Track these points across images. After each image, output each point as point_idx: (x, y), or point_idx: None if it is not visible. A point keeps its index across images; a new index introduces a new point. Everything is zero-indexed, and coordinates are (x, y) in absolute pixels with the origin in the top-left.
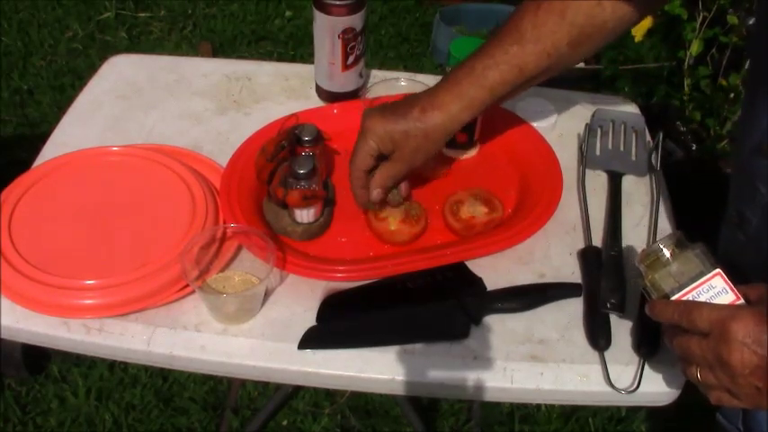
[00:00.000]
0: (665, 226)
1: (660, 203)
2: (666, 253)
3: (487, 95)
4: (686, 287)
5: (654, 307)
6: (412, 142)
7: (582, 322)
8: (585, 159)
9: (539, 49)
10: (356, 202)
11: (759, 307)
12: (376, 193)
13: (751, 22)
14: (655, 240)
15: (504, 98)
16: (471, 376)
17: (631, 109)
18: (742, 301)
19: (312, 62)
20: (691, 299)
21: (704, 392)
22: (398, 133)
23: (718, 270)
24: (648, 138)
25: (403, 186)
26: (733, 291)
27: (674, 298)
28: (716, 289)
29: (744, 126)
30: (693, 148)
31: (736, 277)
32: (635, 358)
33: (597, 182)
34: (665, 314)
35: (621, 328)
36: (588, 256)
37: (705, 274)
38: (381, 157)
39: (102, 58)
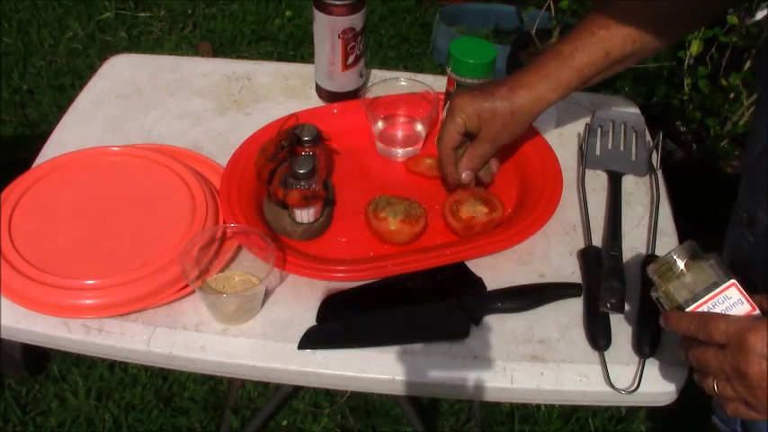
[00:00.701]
0: (665, 226)
1: (660, 203)
2: (680, 264)
3: (575, 76)
4: (701, 298)
5: (668, 318)
6: (498, 120)
7: (582, 322)
8: (585, 159)
9: (624, 34)
10: (446, 181)
11: None
12: (466, 175)
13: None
14: (655, 242)
15: (590, 81)
16: (471, 376)
17: (631, 109)
18: (758, 311)
19: (312, 62)
20: (706, 309)
21: (720, 404)
22: (486, 111)
23: (732, 280)
24: (648, 138)
25: (493, 164)
26: (748, 301)
27: (688, 309)
28: (731, 300)
29: (754, 127)
30: (693, 148)
31: (743, 278)
32: (635, 358)
33: (597, 182)
34: (681, 326)
35: (621, 328)
36: (588, 256)
37: (720, 285)
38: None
39: (102, 58)
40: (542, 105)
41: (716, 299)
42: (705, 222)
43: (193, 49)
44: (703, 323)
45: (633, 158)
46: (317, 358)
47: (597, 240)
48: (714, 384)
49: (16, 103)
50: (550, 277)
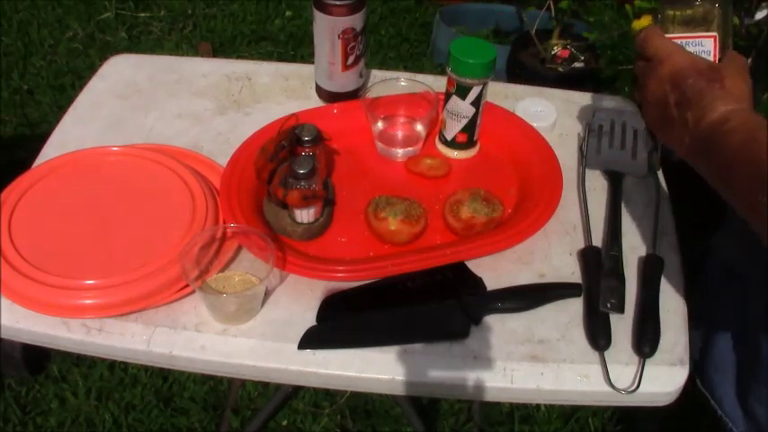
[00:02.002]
0: (665, 226)
1: (660, 203)
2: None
3: None
4: (681, 32)
5: (650, 32)
6: None
7: (582, 322)
8: (585, 159)
9: None
10: None
11: (701, 61)
12: None
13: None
14: (655, 242)
15: None
16: (471, 376)
17: (631, 109)
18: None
19: (312, 62)
20: (679, 43)
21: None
22: None
23: (715, 34)
24: (648, 138)
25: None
26: (715, 57)
27: (667, 35)
28: (704, 48)
29: None
30: None
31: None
32: (635, 358)
33: (597, 182)
34: (638, 39)
35: (621, 328)
36: (588, 256)
37: (704, 32)
38: None
39: (102, 58)
40: None
41: (693, 40)
42: (705, 222)
43: (193, 49)
44: (647, 37)
45: (633, 158)
46: (317, 358)
47: (597, 240)
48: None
49: (16, 103)
50: (550, 277)
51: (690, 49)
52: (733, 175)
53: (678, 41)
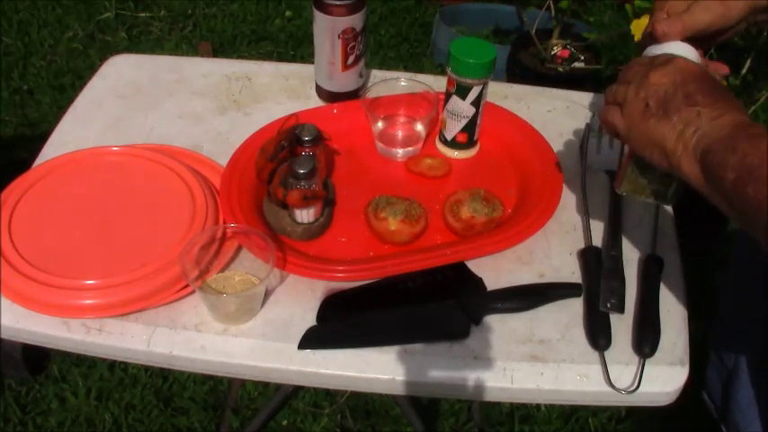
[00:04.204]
0: (665, 226)
1: (659, 204)
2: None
3: None
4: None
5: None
6: None
7: (582, 322)
8: (585, 159)
9: None
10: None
11: (714, 77)
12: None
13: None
14: (655, 242)
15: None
16: (471, 376)
17: None
18: None
19: (312, 62)
20: None
21: (602, 112)
22: None
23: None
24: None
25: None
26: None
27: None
28: None
29: None
30: None
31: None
32: (635, 358)
33: (597, 182)
34: (643, 59)
35: (621, 328)
36: (588, 256)
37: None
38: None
39: (102, 58)
40: None
41: None
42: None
43: (193, 49)
44: (662, 54)
45: None
46: (316, 358)
47: (597, 240)
48: (618, 86)
49: (16, 103)
50: (550, 277)
51: None
52: (756, 178)
53: None
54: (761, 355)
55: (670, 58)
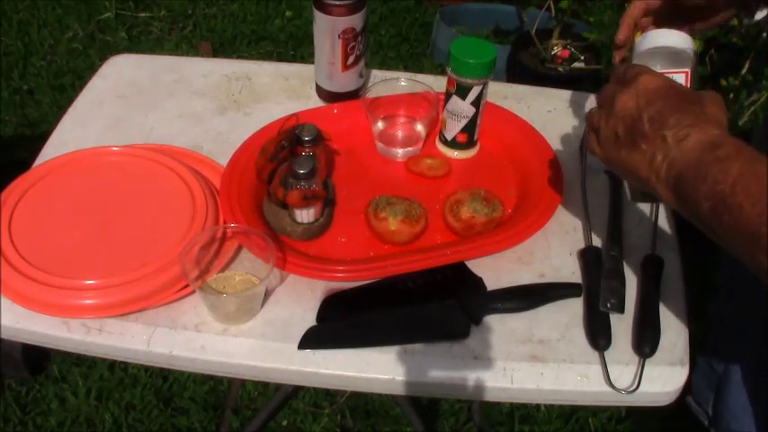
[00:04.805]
0: (665, 226)
1: (660, 203)
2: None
3: None
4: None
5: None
6: None
7: (582, 322)
8: (585, 159)
9: None
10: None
11: (682, 86)
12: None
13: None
14: (655, 242)
15: None
16: (471, 376)
17: None
18: None
19: (312, 62)
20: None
21: (587, 140)
22: None
23: (687, 70)
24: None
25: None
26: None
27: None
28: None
29: None
30: None
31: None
32: (635, 358)
33: (597, 182)
34: (618, 70)
35: (621, 328)
36: (588, 256)
37: (676, 68)
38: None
39: (102, 58)
40: None
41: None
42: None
43: (193, 49)
44: (629, 66)
45: None
46: (316, 358)
47: (597, 240)
48: (596, 113)
49: (16, 103)
50: (550, 277)
51: None
52: (730, 206)
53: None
54: (753, 358)
55: (635, 76)
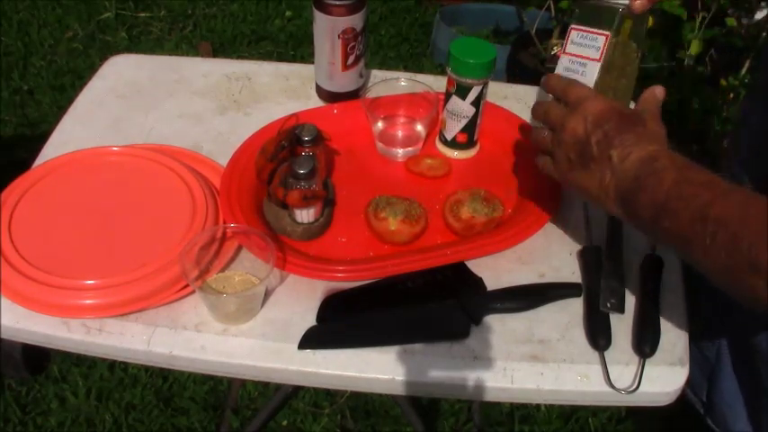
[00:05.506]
0: None
1: None
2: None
3: None
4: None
5: (550, 79)
6: None
7: (582, 322)
8: None
9: None
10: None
11: (623, 107)
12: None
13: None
14: (655, 244)
15: None
16: (471, 376)
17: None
18: None
19: (312, 62)
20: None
21: (538, 160)
22: None
23: (608, 33)
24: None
25: None
26: (601, 56)
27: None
28: (595, 43)
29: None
30: (694, 148)
31: None
32: (635, 358)
33: None
34: (552, 83)
35: (621, 328)
36: (588, 256)
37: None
38: None
39: (102, 58)
40: None
41: (587, 33)
42: None
43: (193, 49)
44: (569, 84)
45: None
46: (316, 358)
47: (597, 240)
48: (544, 134)
49: (16, 103)
50: (550, 277)
51: (580, 41)
52: (667, 211)
53: (574, 32)
54: (742, 344)
55: (580, 101)
